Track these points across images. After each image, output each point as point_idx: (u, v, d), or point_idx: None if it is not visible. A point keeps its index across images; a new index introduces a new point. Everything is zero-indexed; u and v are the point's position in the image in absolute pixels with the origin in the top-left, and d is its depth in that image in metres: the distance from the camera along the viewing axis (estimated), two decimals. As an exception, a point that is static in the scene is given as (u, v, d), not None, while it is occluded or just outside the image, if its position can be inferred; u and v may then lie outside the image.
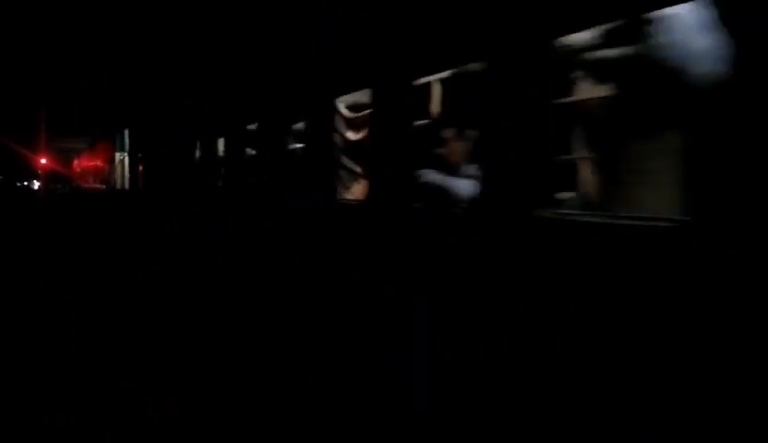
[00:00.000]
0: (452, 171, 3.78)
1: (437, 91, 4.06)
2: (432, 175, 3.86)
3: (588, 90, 3.00)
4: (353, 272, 4.50)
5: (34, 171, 41.22)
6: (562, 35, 2.99)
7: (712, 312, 2.23)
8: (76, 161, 41.93)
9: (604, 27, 2.90)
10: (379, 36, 4.28)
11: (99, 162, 33.82)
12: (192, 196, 9.27)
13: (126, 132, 17.65)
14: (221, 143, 8.19)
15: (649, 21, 2.67)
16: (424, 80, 3.92)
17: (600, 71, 3.00)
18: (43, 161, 35.32)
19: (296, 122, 5.93)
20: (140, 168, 15.47)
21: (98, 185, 33.33)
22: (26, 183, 51.24)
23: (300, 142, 5.83)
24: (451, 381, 3.16)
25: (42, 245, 11.13)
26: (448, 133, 3.97)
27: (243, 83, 7.41)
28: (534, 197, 2.92)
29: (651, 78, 2.68)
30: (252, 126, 7.12)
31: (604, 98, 2.93)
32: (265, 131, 6.69)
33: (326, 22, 5.19)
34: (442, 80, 3.90)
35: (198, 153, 9.19)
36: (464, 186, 3.50)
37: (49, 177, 37.49)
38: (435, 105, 4.07)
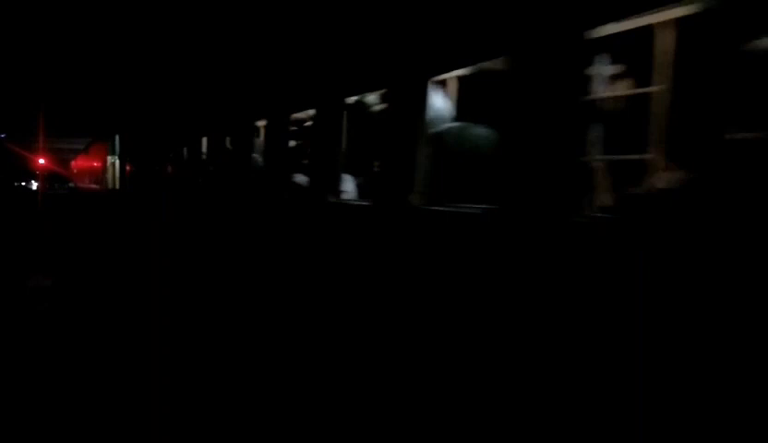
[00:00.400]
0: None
1: (305, 123, 6.35)
2: (299, 177, 6.10)
3: (368, 129, 5.22)
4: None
5: (32, 171, 42.21)
6: (355, 95, 5.19)
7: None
8: (73, 162, 42.48)
9: (378, 92, 5.10)
10: (269, 87, 6.61)
11: (95, 163, 33.75)
12: (177, 193, 10.63)
13: (117, 138, 19.79)
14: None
15: (403, 89, 4.83)
16: (296, 116, 6.21)
17: (376, 118, 5.20)
18: (42, 161, 35.97)
19: (241, 136, 8.09)
20: (128, 170, 17.57)
21: (93, 186, 33.48)
22: (23, 183, 52.26)
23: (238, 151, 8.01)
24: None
25: (43, 243, 11.78)
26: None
27: (215, 100, 9.28)
28: (329, 191, 5.19)
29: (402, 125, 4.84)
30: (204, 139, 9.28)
31: (373, 134, 5.17)
32: (219, 140, 8.79)
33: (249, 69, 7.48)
34: (304, 117, 6.19)
35: (179, 155, 10.71)
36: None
37: (47, 177, 38.28)
38: (302, 132, 6.38)
